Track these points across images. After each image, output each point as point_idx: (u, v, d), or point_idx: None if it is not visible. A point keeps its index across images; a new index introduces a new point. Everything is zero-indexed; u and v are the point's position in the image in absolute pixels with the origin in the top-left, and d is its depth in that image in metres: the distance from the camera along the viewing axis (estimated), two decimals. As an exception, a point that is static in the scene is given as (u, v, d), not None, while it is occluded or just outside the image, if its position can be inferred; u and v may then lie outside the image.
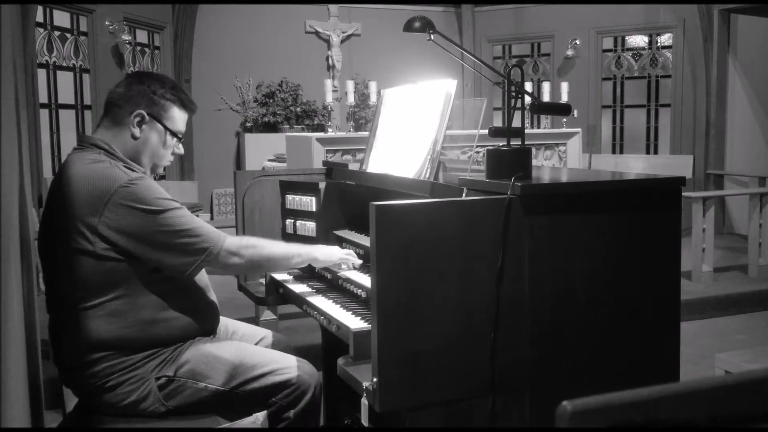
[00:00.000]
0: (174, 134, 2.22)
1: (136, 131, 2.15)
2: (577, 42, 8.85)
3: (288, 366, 2.19)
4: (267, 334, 2.55)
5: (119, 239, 2.00)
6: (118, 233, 2.00)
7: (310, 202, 2.75)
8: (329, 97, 5.90)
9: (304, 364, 2.24)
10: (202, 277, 2.25)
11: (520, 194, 1.76)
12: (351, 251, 2.42)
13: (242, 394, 2.14)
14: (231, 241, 2.13)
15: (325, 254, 2.34)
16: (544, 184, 1.94)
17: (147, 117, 2.15)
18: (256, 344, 2.44)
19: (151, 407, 2.08)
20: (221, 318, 2.39)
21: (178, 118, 2.22)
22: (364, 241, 2.48)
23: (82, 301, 2.03)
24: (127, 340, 2.06)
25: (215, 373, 2.12)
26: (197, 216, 2.56)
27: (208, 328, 2.26)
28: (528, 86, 8.15)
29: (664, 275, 1.97)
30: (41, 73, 6.60)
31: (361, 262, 2.38)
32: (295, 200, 2.80)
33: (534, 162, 2.26)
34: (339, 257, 2.35)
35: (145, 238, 2.01)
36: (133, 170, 2.10)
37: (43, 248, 2.15)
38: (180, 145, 2.27)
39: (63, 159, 7.16)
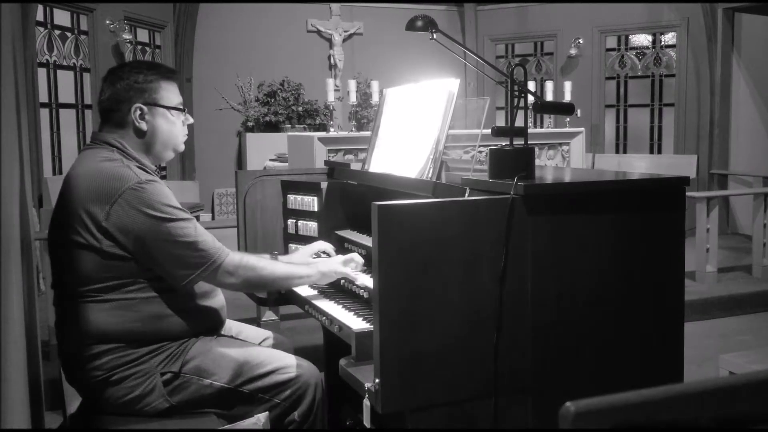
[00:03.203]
0: (176, 108, 2.23)
1: (143, 125, 2.16)
2: (581, 41, 8.83)
3: (290, 365, 2.21)
4: (269, 335, 2.56)
5: (123, 238, 2.01)
6: (122, 233, 2.01)
7: (311, 202, 2.75)
8: (331, 97, 5.90)
9: (305, 363, 2.25)
10: None
11: (523, 194, 1.75)
12: (354, 260, 2.38)
13: (245, 392, 2.15)
14: (230, 259, 2.12)
15: (327, 276, 2.32)
16: (547, 184, 1.93)
17: (145, 107, 2.16)
18: (259, 345, 2.43)
19: (154, 402, 2.09)
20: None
21: (170, 91, 2.22)
22: (366, 241, 2.48)
23: (88, 295, 2.04)
24: (132, 333, 2.06)
25: (221, 370, 2.13)
26: (198, 217, 2.54)
27: (213, 326, 2.27)
28: (531, 85, 8.14)
29: (668, 275, 1.97)
30: (41, 73, 6.58)
31: (361, 281, 2.35)
32: (296, 200, 2.80)
33: (537, 162, 2.25)
34: (342, 272, 2.33)
35: (146, 242, 2.02)
36: (146, 171, 2.11)
37: (53, 243, 2.16)
38: (187, 115, 2.29)
39: (63, 158, 7.13)
